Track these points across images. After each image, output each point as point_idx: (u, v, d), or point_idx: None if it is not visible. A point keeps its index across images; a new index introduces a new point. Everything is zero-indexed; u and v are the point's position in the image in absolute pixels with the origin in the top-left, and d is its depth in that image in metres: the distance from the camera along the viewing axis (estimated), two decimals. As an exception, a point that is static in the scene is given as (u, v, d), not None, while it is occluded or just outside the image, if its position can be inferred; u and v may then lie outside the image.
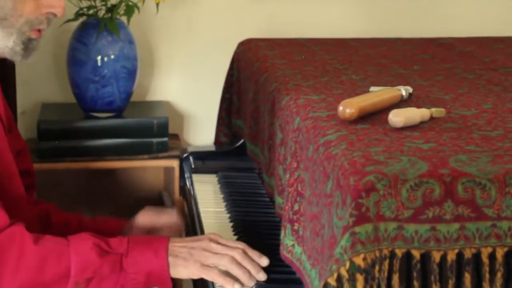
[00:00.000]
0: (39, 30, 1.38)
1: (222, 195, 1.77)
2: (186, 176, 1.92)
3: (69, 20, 2.01)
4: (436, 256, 0.99)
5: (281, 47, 1.88)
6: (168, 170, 2.15)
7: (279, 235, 1.30)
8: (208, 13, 2.23)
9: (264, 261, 1.35)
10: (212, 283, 1.35)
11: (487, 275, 1.00)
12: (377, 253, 0.98)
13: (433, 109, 1.24)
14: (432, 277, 1.00)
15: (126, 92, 2.06)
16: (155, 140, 2.07)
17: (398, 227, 0.98)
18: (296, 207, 1.23)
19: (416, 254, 0.99)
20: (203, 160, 1.94)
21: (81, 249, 1.31)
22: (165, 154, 2.08)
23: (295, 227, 1.23)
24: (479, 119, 1.24)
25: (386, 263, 0.98)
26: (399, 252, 0.99)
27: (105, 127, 2.05)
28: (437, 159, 1.03)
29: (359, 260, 0.97)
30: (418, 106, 1.25)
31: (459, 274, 1.00)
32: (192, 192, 1.83)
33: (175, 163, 2.05)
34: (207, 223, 1.61)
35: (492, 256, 1.01)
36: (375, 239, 0.97)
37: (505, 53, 1.84)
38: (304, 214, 1.20)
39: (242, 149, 1.85)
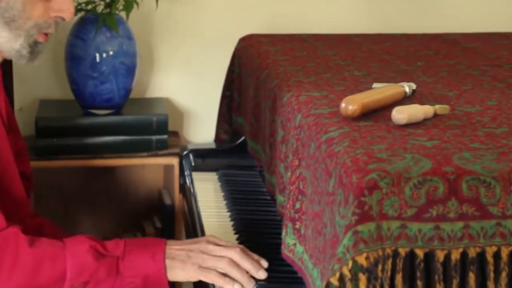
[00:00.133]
0: (46, 34, 1.38)
1: (222, 193, 1.77)
2: (186, 174, 1.92)
3: (67, 16, 2.01)
4: (440, 255, 0.99)
5: (283, 43, 1.88)
6: (168, 168, 2.15)
7: (280, 234, 1.30)
8: (208, 8, 2.23)
9: (264, 264, 1.35)
10: (213, 284, 1.35)
11: (491, 275, 1.00)
12: (380, 252, 0.97)
13: (437, 106, 1.24)
14: (436, 277, 0.99)
15: (125, 88, 2.06)
16: (154, 137, 2.07)
17: (402, 226, 0.98)
18: (297, 205, 1.23)
19: (420, 253, 0.99)
20: (203, 158, 1.93)
21: (77, 252, 1.31)
22: (164, 151, 2.08)
23: (297, 226, 1.23)
24: (483, 116, 1.24)
25: (389, 262, 0.98)
26: (402, 251, 0.98)
27: (103, 124, 2.05)
28: (441, 156, 1.03)
29: (361, 260, 0.97)
30: (422, 103, 1.25)
31: (463, 273, 1.00)
32: (192, 190, 1.83)
33: (174, 161, 2.05)
34: (207, 222, 1.61)
35: (497, 255, 1.00)
36: (378, 238, 0.97)
37: (509, 49, 1.84)
38: (306, 212, 1.20)
39: (243, 146, 1.84)
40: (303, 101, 1.33)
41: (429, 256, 0.99)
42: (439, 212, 0.98)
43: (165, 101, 2.22)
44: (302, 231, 1.21)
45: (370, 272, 0.97)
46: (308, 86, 1.44)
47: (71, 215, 2.23)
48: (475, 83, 1.48)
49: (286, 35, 2.02)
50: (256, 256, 1.35)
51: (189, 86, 2.26)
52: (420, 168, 0.99)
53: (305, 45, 1.88)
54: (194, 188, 1.82)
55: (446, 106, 1.25)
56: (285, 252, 1.27)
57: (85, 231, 2.21)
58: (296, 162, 1.26)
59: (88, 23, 2.01)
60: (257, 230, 1.54)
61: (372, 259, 0.97)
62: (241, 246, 1.37)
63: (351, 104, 1.19)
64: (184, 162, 1.93)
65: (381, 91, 1.29)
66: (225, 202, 1.72)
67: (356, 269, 0.97)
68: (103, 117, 2.05)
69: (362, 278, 0.97)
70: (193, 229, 1.65)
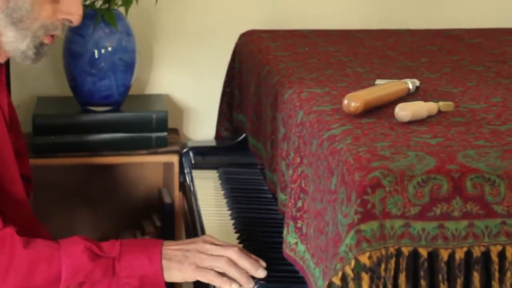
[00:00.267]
0: (52, 36, 1.38)
1: (223, 192, 1.77)
2: (186, 172, 1.92)
3: (65, 11, 2.00)
4: (444, 254, 0.99)
5: (284, 39, 1.88)
6: (168, 166, 2.15)
7: (281, 232, 1.29)
8: (209, 3, 2.23)
9: (262, 263, 1.34)
10: (213, 286, 1.35)
11: (496, 274, 1.00)
12: (383, 251, 0.97)
13: (441, 103, 1.24)
14: (440, 276, 0.99)
15: (124, 85, 2.05)
16: (154, 134, 2.06)
17: (405, 225, 0.97)
18: (299, 204, 1.23)
19: (423, 252, 0.98)
20: (204, 156, 1.93)
21: (72, 253, 1.31)
22: (164, 149, 2.08)
23: (298, 225, 1.23)
24: (488, 113, 1.23)
25: (392, 261, 0.97)
26: (405, 250, 0.98)
27: (102, 122, 2.04)
28: (445, 154, 1.02)
29: (364, 259, 0.96)
30: (426, 100, 1.25)
31: (467, 273, 0.99)
32: (192, 189, 1.82)
33: (174, 159, 2.05)
34: (207, 221, 1.61)
35: (501, 255, 0.99)
36: (381, 237, 0.97)
37: (514, 45, 1.85)
38: (308, 211, 1.20)
39: (244, 144, 1.84)
40: (304, 98, 1.33)
41: (433, 256, 0.98)
42: (443, 210, 0.97)
43: (165, 98, 2.22)
44: (304, 230, 1.21)
45: (373, 272, 0.96)
46: (309, 83, 1.43)
47: (69, 213, 2.24)
48: (479, 79, 1.47)
49: (287, 30, 2.02)
50: (254, 256, 1.35)
51: (189, 82, 2.26)
52: (423, 166, 0.99)
53: (306, 41, 1.88)
54: (194, 186, 1.82)
55: (450, 103, 1.25)
56: (286, 251, 1.26)
57: (83, 229, 2.21)
58: (298, 160, 1.26)
59: (87, 19, 1.99)
60: (258, 228, 1.54)
61: (375, 259, 0.96)
62: (239, 245, 1.37)
63: (353, 101, 1.18)
64: (184, 159, 1.93)
65: (384, 87, 1.29)
66: (225, 200, 1.72)
67: (359, 268, 0.96)
68: (101, 114, 2.05)
69: (365, 277, 0.96)
70: (193, 228, 1.65)
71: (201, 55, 2.23)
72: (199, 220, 1.62)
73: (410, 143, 1.07)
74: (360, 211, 0.96)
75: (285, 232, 1.27)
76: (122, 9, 2.02)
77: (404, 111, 1.16)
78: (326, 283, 0.99)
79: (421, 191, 0.97)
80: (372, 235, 0.96)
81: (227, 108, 2.00)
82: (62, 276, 1.30)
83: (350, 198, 0.98)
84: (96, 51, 2.00)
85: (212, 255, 1.33)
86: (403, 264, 0.97)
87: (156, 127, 2.06)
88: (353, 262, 0.96)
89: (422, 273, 0.98)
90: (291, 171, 1.28)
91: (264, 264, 1.34)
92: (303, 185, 1.22)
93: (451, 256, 0.99)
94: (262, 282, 1.32)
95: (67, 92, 2.10)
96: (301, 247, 1.21)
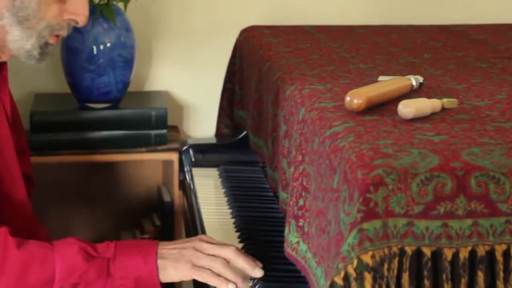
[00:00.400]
0: (57, 36, 1.38)
1: (223, 190, 1.77)
2: (185, 169, 1.91)
3: (63, 6, 2.00)
4: (448, 253, 0.98)
5: (286, 35, 1.88)
6: (167, 164, 2.15)
7: (283, 231, 1.29)
8: (209, -1, 2.24)
9: (258, 263, 1.34)
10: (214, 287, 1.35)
11: (501, 274, 0.99)
12: (386, 251, 0.96)
13: (445, 100, 1.23)
14: (444, 276, 0.98)
15: (123, 81, 2.05)
16: (153, 132, 2.06)
17: (408, 224, 0.97)
18: (301, 202, 1.22)
19: (427, 251, 0.98)
20: (204, 153, 1.93)
21: (66, 254, 1.31)
22: (164, 146, 2.07)
23: (300, 223, 1.22)
24: (493, 110, 1.23)
25: (396, 261, 0.97)
26: (409, 250, 0.97)
27: (101, 119, 2.04)
28: (449, 152, 1.02)
29: (367, 258, 0.96)
30: (429, 97, 1.24)
31: (472, 272, 0.99)
32: (192, 187, 1.82)
33: (174, 156, 2.05)
34: (207, 219, 1.61)
35: (506, 254, 0.99)
36: (384, 235, 0.96)
37: (520, 41, 1.86)
38: (310, 209, 1.19)
39: (245, 141, 1.84)
40: (306, 95, 1.33)
41: (437, 255, 0.98)
42: (447, 209, 0.97)
43: (164, 95, 2.22)
44: (306, 229, 1.20)
45: (376, 271, 0.96)
46: (311, 79, 1.43)
47: (67, 211, 2.24)
48: (484, 76, 1.47)
49: (288, 26, 2.02)
50: (250, 257, 1.35)
51: (189, 79, 2.25)
52: (427, 164, 0.98)
53: (308, 36, 1.88)
54: (194, 184, 1.82)
55: (454, 100, 1.24)
56: (287, 250, 1.26)
57: (81, 227, 2.21)
58: (300, 158, 1.25)
59: (85, 14, 2.00)
60: (259, 227, 1.53)
61: (378, 258, 0.96)
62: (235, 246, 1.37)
63: (356, 98, 1.18)
64: (184, 157, 1.92)
65: (387, 84, 1.28)
66: (226, 198, 1.71)
67: (362, 268, 0.96)
68: (100, 111, 2.05)
69: (368, 277, 0.96)
70: (193, 226, 1.65)
71: (201, 51, 2.23)
72: (199, 219, 1.62)
73: (413, 141, 1.06)
74: (362, 209, 0.96)
75: (286, 231, 1.27)
76: (121, 5, 2.02)
77: (407, 108, 1.15)
78: (328, 282, 0.99)
79: (424, 189, 0.96)
80: (375, 234, 0.95)
81: (227, 104, 1.99)
82: (56, 277, 1.29)
83: (352, 196, 0.98)
84: (94, 47, 1.99)
85: (208, 254, 1.33)
86: (406, 263, 0.97)
87: (156, 124, 2.06)
88: (355, 262, 0.96)
89: (425, 273, 0.97)
90: (292, 169, 1.27)
91: (260, 264, 1.34)
92: (304, 183, 1.22)
93: (455, 255, 0.98)
94: (263, 281, 1.32)
95: (65, 88, 2.10)
96: (303, 246, 1.21)
